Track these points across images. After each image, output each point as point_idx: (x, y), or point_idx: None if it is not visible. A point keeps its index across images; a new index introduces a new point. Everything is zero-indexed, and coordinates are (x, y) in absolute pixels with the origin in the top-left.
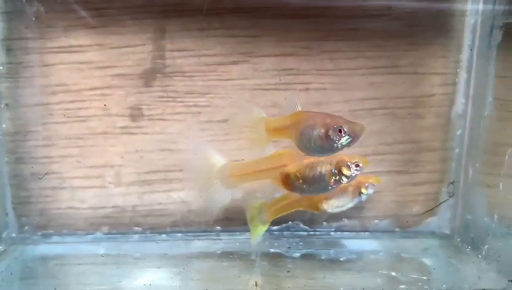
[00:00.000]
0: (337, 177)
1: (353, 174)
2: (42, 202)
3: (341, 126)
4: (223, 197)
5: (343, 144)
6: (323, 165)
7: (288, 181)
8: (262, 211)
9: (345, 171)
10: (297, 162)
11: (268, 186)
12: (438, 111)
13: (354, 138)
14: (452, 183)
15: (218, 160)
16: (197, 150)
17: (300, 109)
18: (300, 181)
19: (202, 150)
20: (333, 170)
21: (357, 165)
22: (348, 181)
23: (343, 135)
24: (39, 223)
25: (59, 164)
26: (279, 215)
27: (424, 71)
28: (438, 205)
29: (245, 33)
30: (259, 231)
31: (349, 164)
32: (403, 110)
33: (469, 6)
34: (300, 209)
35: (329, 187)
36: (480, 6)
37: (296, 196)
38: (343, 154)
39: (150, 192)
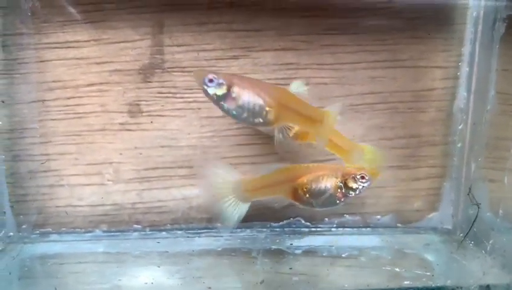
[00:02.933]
0: (344, 191)
1: (360, 187)
2: (40, 200)
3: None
4: (240, 210)
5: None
6: (329, 178)
7: (297, 196)
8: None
9: (351, 184)
10: (306, 176)
11: (280, 197)
12: (440, 105)
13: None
14: (470, 190)
15: (232, 176)
16: (213, 166)
17: None
18: (307, 195)
19: (217, 166)
20: (339, 183)
21: (362, 177)
22: (356, 194)
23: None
24: (37, 222)
25: (57, 161)
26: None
27: (425, 65)
28: (472, 226)
29: (245, 27)
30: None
31: (355, 176)
32: (404, 105)
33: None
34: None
35: (337, 201)
36: None
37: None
38: (351, 166)
39: (149, 189)
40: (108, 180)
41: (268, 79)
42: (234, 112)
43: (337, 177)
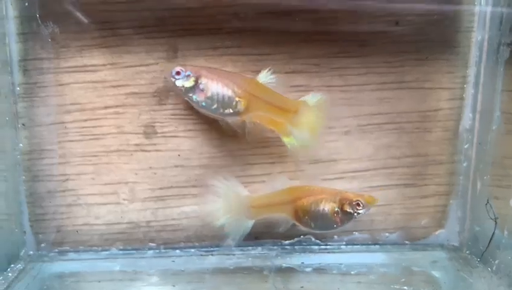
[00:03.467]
0: (341, 215)
1: (355, 214)
2: (58, 219)
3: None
4: (245, 226)
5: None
6: (328, 202)
7: (297, 216)
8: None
9: (347, 209)
10: (307, 199)
11: (285, 218)
12: (445, 125)
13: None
14: (488, 202)
15: (240, 192)
16: (220, 182)
17: None
18: (306, 217)
19: (225, 183)
20: (336, 208)
21: (358, 204)
22: (353, 219)
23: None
24: (55, 240)
25: (74, 181)
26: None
27: (431, 86)
28: (490, 241)
29: (256, 51)
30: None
31: (351, 202)
32: (410, 125)
33: (476, 23)
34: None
35: (334, 225)
36: (487, 23)
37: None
38: (350, 192)
39: (164, 208)
40: (124, 199)
41: None
42: (203, 104)
43: (335, 202)
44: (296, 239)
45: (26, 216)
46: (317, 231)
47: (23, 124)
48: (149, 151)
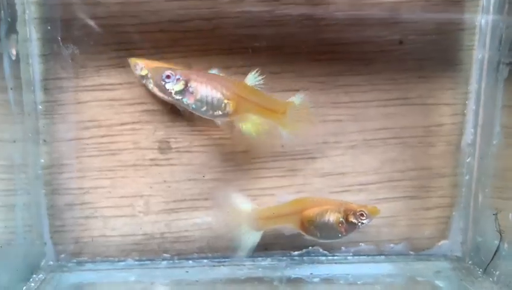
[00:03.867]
0: (345, 225)
1: (359, 224)
2: (76, 230)
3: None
4: (253, 237)
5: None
6: (333, 213)
7: (303, 227)
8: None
9: (352, 219)
10: (313, 209)
11: (290, 227)
12: (448, 140)
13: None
14: (496, 216)
15: (247, 205)
16: (228, 196)
17: None
18: (312, 227)
19: (233, 197)
20: (341, 219)
21: (361, 215)
22: (357, 229)
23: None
24: (74, 251)
25: (92, 195)
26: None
27: (433, 102)
28: (495, 253)
29: (265, 70)
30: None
31: (355, 212)
32: (414, 139)
33: (476, 43)
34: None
35: (339, 234)
36: (487, 43)
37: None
38: (353, 203)
39: (177, 220)
40: (139, 211)
41: None
42: (193, 106)
43: (339, 213)
44: (304, 250)
45: (46, 228)
46: (323, 241)
47: (44, 140)
48: (163, 165)
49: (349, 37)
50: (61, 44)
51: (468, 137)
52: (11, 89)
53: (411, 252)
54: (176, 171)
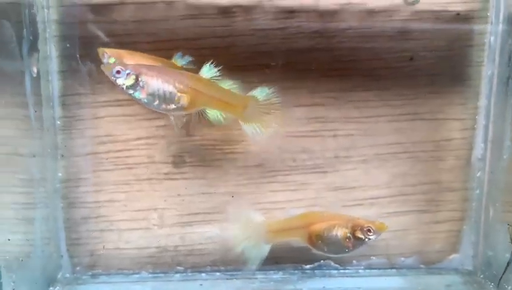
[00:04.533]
0: (353, 241)
1: (366, 239)
2: (91, 243)
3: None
4: (263, 250)
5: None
6: (340, 228)
7: (311, 241)
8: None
9: (359, 235)
10: (321, 224)
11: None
12: (458, 154)
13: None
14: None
15: (257, 218)
16: (239, 210)
17: None
18: (320, 242)
19: (243, 210)
20: (348, 234)
21: (369, 230)
22: (364, 244)
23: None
24: (89, 264)
25: (107, 208)
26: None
27: (443, 117)
28: (507, 266)
29: (279, 86)
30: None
31: (362, 228)
32: (425, 154)
33: (485, 59)
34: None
35: (346, 249)
36: (497, 59)
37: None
38: (361, 218)
39: (191, 233)
40: (154, 225)
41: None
42: (145, 100)
43: (347, 228)
44: (316, 264)
45: (63, 241)
46: (330, 255)
47: (62, 155)
48: (177, 179)
49: (361, 53)
50: (79, 61)
51: (478, 152)
52: (32, 105)
53: (422, 266)
54: (190, 184)
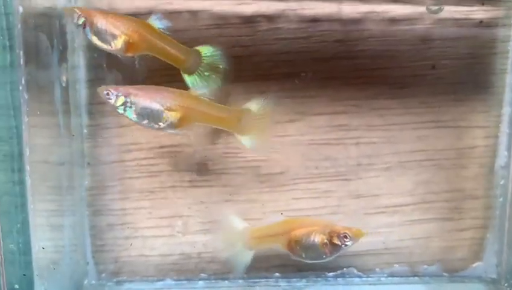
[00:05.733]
0: (329, 247)
1: (343, 245)
2: (116, 250)
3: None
4: (245, 257)
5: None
6: (318, 234)
7: (290, 247)
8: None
9: (336, 241)
10: (299, 230)
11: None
12: (481, 162)
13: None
14: None
15: (240, 225)
16: (225, 218)
17: None
18: (298, 248)
19: (227, 217)
20: (325, 240)
21: (345, 237)
22: (341, 250)
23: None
24: (114, 270)
25: (132, 215)
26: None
27: (466, 125)
28: None
29: (300, 94)
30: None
31: (339, 235)
32: (448, 161)
33: (509, 66)
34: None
35: (323, 256)
36: None
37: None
38: (339, 225)
39: (214, 240)
40: (178, 232)
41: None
42: (136, 119)
43: (324, 234)
44: (339, 271)
45: (89, 248)
46: (307, 261)
47: (89, 163)
48: (201, 187)
49: (383, 62)
50: (105, 70)
51: (501, 160)
52: (61, 113)
53: (445, 274)
54: (213, 192)
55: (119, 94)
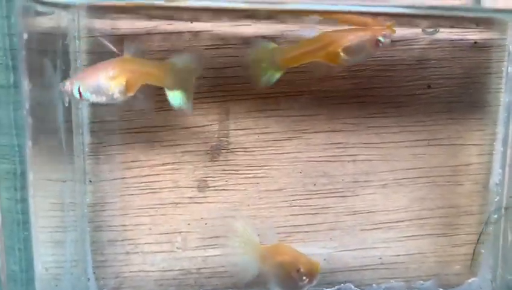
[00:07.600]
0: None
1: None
2: (117, 265)
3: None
4: (252, 267)
5: None
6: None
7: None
8: (275, 55)
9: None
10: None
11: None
12: (476, 179)
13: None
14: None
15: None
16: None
17: None
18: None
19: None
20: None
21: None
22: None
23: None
24: (114, 286)
25: (132, 231)
26: (293, 65)
27: (461, 143)
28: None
29: (298, 113)
30: (269, 75)
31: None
32: (443, 178)
33: (503, 86)
34: (317, 59)
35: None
36: None
37: (312, 44)
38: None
39: (213, 256)
40: (178, 247)
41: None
42: (95, 99)
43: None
44: (336, 287)
45: (90, 263)
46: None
47: (90, 180)
48: (201, 203)
49: (380, 81)
50: None
51: (496, 177)
52: (63, 132)
53: (440, 289)
54: (213, 208)
55: (73, 82)
